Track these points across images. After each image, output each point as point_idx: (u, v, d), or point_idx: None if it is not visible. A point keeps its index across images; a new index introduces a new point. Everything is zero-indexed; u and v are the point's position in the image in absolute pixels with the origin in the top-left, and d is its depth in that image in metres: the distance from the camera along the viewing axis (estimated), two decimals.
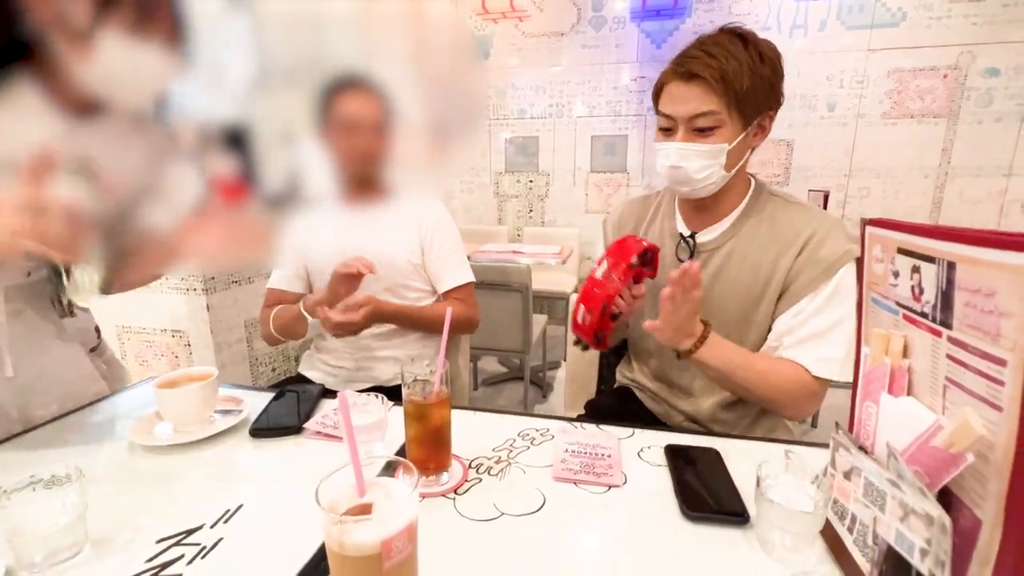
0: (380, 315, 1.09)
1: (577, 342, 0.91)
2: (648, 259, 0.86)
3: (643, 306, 0.91)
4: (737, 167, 0.83)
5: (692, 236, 0.91)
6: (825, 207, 2.62)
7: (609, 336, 0.86)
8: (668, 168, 0.83)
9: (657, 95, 0.84)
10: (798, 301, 0.81)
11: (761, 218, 0.87)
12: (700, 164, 0.80)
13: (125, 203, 0.60)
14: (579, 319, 0.85)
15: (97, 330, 1.08)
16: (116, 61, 0.51)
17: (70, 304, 0.90)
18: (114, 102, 0.58)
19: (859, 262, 0.56)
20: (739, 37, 0.78)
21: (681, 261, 0.91)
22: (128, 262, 0.70)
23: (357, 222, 1.16)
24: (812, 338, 0.79)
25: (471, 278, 1.25)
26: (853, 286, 0.79)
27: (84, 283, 0.87)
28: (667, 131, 0.83)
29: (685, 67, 0.77)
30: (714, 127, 0.78)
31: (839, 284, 0.79)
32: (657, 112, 0.84)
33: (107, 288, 0.86)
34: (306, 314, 1.08)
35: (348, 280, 1.03)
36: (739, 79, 0.75)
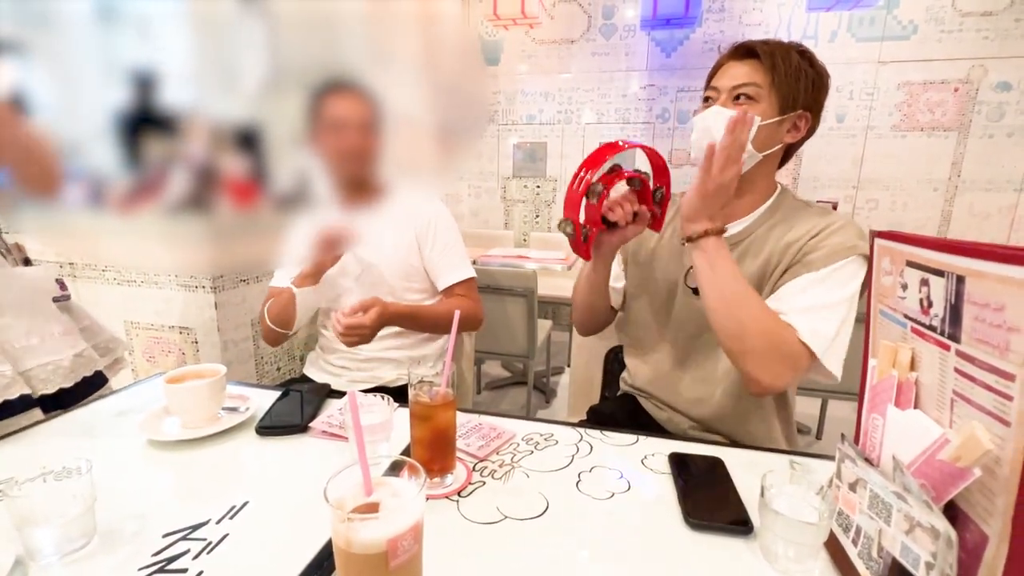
0: (388, 316, 1.10)
1: (562, 225, 0.85)
2: (638, 187, 0.85)
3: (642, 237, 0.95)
4: (765, 153, 0.85)
5: None
6: None
7: (593, 240, 0.86)
8: (699, 133, 0.85)
9: (711, 77, 0.90)
10: (801, 276, 0.81)
11: (780, 217, 0.89)
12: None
13: None
14: (575, 184, 0.81)
15: (61, 283, 1.06)
16: None
17: (19, 250, 0.93)
18: None
19: (867, 274, 0.56)
20: (798, 49, 0.85)
21: None
22: None
23: (354, 226, 1.17)
24: (811, 310, 0.79)
25: (471, 274, 1.25)
26: (854, 277, 0.80)
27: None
28: (708, 101, 0.88)
29: (743, 46, 0.86)
30: (752, 98, 0.83)
31: (842, 269, 0.80)
32: (706, 89, 0.90)
33: None
34: (294, 289, 1.09)
35: (328, 249, 1.04)
36: (786, 63, 0.82)
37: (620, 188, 0.84)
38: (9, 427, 0.81)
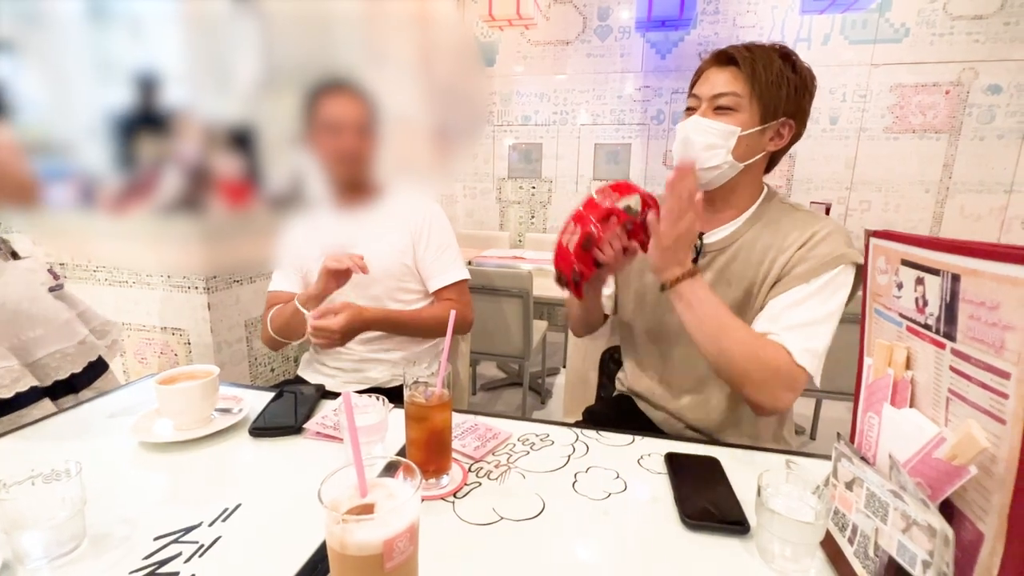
0: (361, 321, 1.08)
1: (557, 279, 0.87)
2: (631, 227, 0.84)
3: (629, 272, 0.97)
4: (747, 162, 0.85)
5: (700, 235, 0.91)
6: None
7: (586, 282, 0.85)
8: (679, 144, 0.86)
9: (694, 83, 0.89)
10: (790, 289, 0.81)
11: (767, 221, 0.88)
12: (709, 141, 0.82)
13: None
14: (563, 241, 0.82)
15: (53, 272, 1.05)
16: None
17: (6, 243, 0.94)
18: None
19: (863, 273, 0.56)
20: (780, 52, 0.83)
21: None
22: None
23: (349, 226, 1.16)
24: (802, 327, 0.78)
25: (464, 276, 1.24)
26: (843, 287, 0.80)
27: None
28: (690, 111, 0.88)
29: (724, 53, 0.85)
30: (732, 108, 0.82)
31: (831, 280, 0.79)
32: (688, 95, 0.90)
33: None
34: (301, 308, 1.08)
35: (337, 275, 1.03)
36: (767, 72, 0.81)
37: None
38: (22, 419, 0.83)
